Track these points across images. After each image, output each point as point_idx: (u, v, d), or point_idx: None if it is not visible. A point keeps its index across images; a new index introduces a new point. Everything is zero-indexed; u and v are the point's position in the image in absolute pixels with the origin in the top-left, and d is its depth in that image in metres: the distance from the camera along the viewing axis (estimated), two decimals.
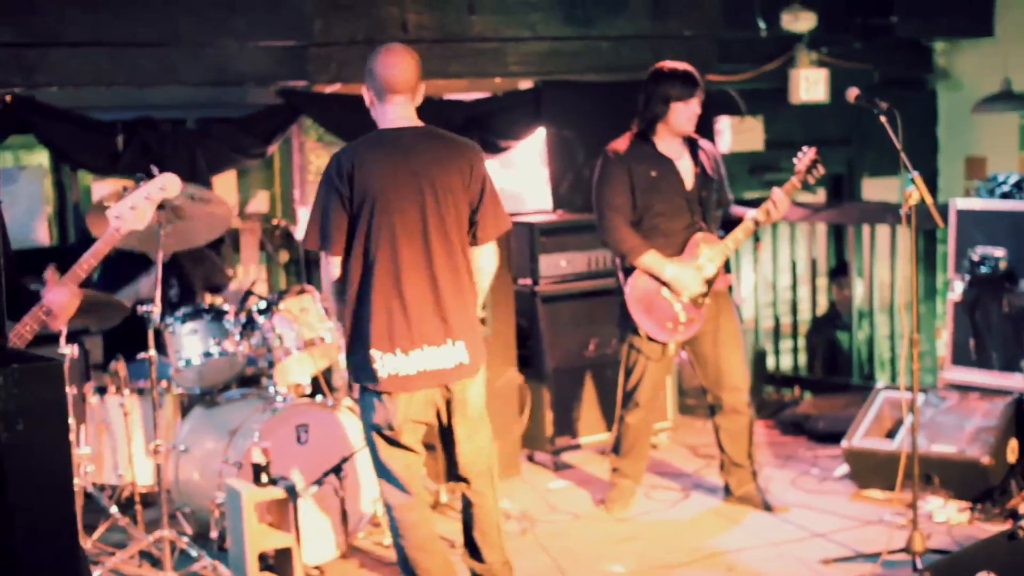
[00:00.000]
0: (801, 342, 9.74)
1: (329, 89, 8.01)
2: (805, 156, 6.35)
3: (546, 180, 8.67)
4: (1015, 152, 9.76)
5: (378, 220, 4.84)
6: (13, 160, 8.98)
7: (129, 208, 4.56)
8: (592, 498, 6.93)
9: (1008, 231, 6.94)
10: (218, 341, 6.24)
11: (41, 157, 8.82)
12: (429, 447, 5.33)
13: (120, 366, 6.27)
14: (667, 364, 6.60)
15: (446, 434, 5.12)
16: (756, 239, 9.11)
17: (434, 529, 5.25)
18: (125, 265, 6.90)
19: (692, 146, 6.47)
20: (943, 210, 6.96)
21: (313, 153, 8.48)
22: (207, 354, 6.23)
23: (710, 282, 6.36)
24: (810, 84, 9.18)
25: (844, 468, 7.01)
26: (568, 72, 8.54)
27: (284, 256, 8.21)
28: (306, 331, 6.23)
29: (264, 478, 5.57)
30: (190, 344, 6.23)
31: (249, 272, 8.09)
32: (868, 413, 6.97)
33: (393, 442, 5.03)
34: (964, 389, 6.93)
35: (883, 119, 5.53)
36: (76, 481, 5.80)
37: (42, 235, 8.62)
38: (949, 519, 6.27)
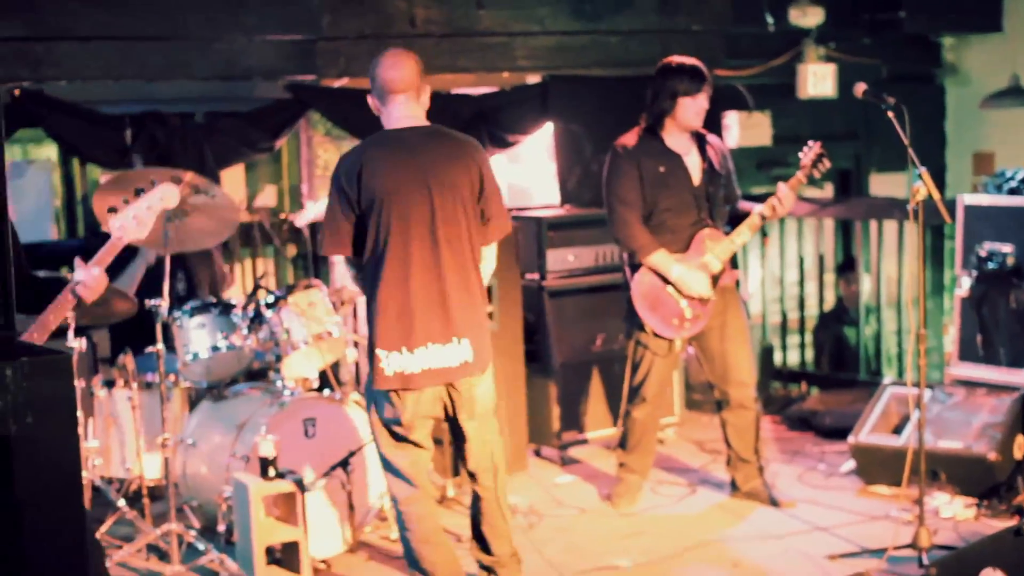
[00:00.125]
0: (808, 338, 9.73)
1: (337, 83, 8.01)
2: (810, 150, 6.34)
3: (554, 175, 8.67)
4: (1023, 148, 9.74)
5: (386, 220, 4.85)
6: (21, 154, 9.01)
7: (132, 218, 4.65)
8: (599, 493, 6.93)
9: (1016, 227, 6.93)
10: (226, 335, 6.25)
11: (49, 151, 8.85)
12: (437, 441, 5.35)
13: (128, 360, 6.28)
14: (674, 360, 6.60)
15: (454, 430, 5.14)
16: (763, 234, 9.11)
17: (439, 522, 5.28)
18: (123, 257, 6.90)
19: (700, 141, 6.46)
20: (951, 206, 6.96)
21: (321, 147, 8.48)
22: (215, 348, 6.24)
23: (716, 278, 6.36)
24: (818, 79, 9.17)
25: (850, 464, 7.01)
26: (576, 67, 8.54)
27: (292, 250, 8.22)
28: (314, 325, 6.23)
29: (271, 472, 5.58)
30: (198, 338, 6.25)
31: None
32: (875, 409, 6.97)
33: (401, 438, 5.05)
34: (971, 385, 6.93)
35: (890, 114, 5.52)
36: (84, 474, 5.81)
37: (50, 229, 8.65)
38: (955, 515, 6.27)
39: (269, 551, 5.63)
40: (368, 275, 4.94)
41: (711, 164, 6.42)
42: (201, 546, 5.80)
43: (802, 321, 9.48)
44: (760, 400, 6.83)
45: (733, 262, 6.52)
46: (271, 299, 6.27)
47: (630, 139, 6.39)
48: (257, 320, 6.26)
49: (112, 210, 4.73)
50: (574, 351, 7.57)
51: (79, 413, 5.58)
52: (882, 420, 6.91)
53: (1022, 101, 9.64)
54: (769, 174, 9.82)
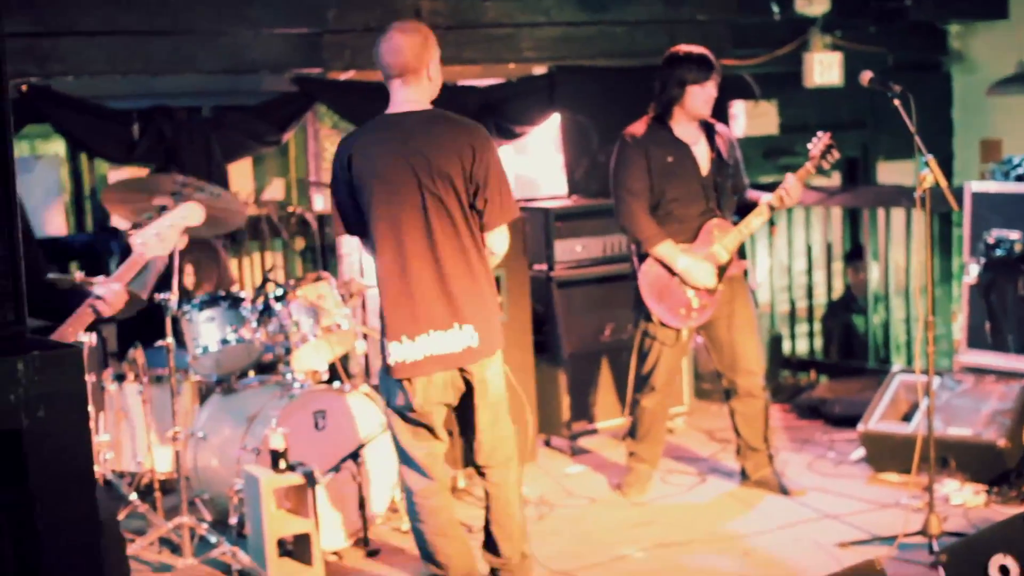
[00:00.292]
0: (817, 326, 9.74)
1: (344, 76, 8.03)
2: (819, 141, 6.33)
3: (561, 165, 8.68)
4: None
5: (377, 206, 4.85)
6: (29, 149, 9.03)
7: (154, 235, 4.70)
8: (609, 482, 6.94)
9: (1023, 214, 6.93)
10: (235, 328, 6.27)
11: (57, 146, 8.87)
12: (447, 432, 5.34)
13: (138, 354, 6.30)
14: (682, 348, 6.60)
15: (467, 419, 5.11)
16: (771, 223, 9.10)
17: (454, 515, 5.26)
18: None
19: (709, 131, 6.46)
20: (958, 193, 6.96)
21: (328, 140, 8.50)
22: (224, 341, 6.25)
23: (723, 269, 6.36)
24: (824, 68, 9.16)
25: (860, 452, 7.02)
26: (582, 57, 8.55)
27: (300, 243, 8.24)
28: (323, 318, 6.25)
29: (282, 464, 5.60)
30: (207, 331, 6.26)
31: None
32: (884, 397, 6.97)
33: (417, 423, 5.04)
34: (980, 372, 6.92)
35: (897, 102, 5.52)
36: (96, 468, 5.83)
37: (59, 224, 8.66)
38: (965, 502, 6.27)
39: (281, 543, 5.65)
40: (373, 262, 4.97)
41: (719, 154, 6.42)
42: (213, 539, 5.81)
43: (810, 310, 9.48)
44: (769, 389, 6.83)
45: (741, 252, 6.52)
46: (280, 292, 6.28)
47: (639, 128, 6.39)
48: (266, 313, 6.28)
49: (136, 226, 4.78)
50: (583, 341, 7.58)
51: (90, 407, 5.59)
52: (891, 408, 6.92)
53: None
54: (776, 163, 9.81)
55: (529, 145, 9.33)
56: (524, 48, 8.34)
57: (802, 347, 9.52)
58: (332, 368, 6.72)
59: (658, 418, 6.66)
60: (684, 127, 6.37)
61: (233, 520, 6.02)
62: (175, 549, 5.94)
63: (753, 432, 6.61)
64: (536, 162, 9.50)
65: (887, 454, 6.73)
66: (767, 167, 9.79)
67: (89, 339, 5.85)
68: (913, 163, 5.57)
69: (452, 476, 6.57)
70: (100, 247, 7.62)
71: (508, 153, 8.95)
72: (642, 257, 6.38)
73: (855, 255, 9.86)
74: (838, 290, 9.90)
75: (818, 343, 9.71)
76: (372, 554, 5.96)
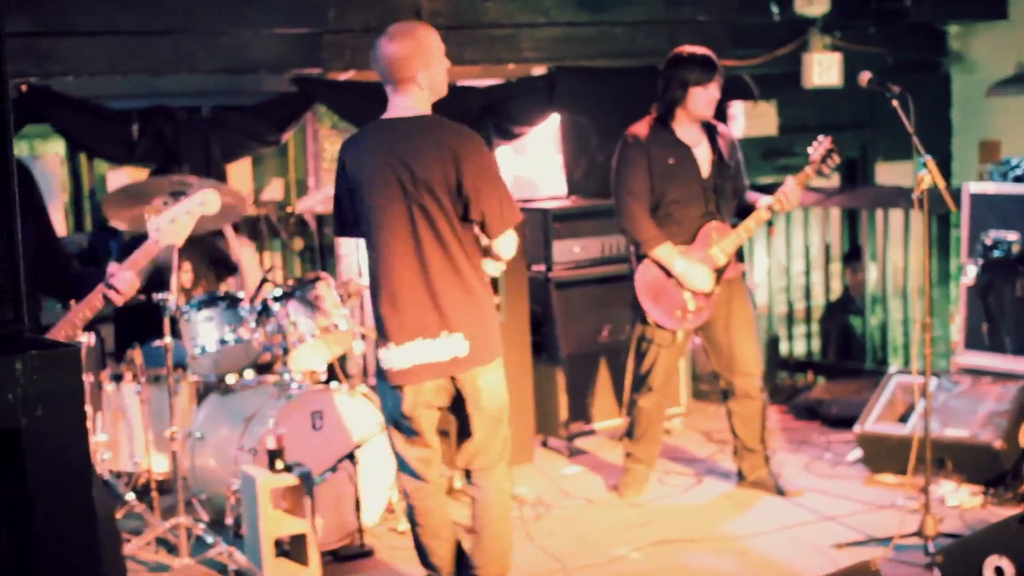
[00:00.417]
0: (815, 327, 9.75)
1: (343, 77, 8.04)
2: (820, 145, 6.32)
3: (560, 166, 8.69)
4: None
5: (367, 213, 4.84)
6: (29, 149, 9.04)
7: (169, 222, 4.61)
8: (606, 483, 6.95)
9: (1021, 215, 6.93)
10: (233, 328, 6.27)
11: (56, 146, 8.87)
12: (444, 433, 5.34)
13: (136, 354, 6.31)
14: (679, 350, 6.60)
15: (461, 423, 5.08)
16: (769, 224, 9.10)
17: (449, 517, 5.23)
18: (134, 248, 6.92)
19: (710, 132, 6.46)
20: (956, 194, 6.97)
21: (327, 140, 8.51)
22: (222, 341, 6.26)
23: (720, 272, 6.36)
24: (823, 68, 9.17)
25: (857, 453, 7.03)
26: (582, 58, 8.56)
27: (298, 243, 8.25)
28: (321, 318, 6.26)
29: (279, 464, 5.60)
30: (205, 331, 6.27)
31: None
32: (881, 398, 6.98)
33: (409, 432, 5.01)
34: (977, 373, 6.93)
35: (895, 103, 5.53)
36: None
37: (58, 224, 8.67)
38: (961, 503, 6.28)
39: (277, 543, 5.66)
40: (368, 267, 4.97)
41: (721, 156, 6.42)
42: (210, 539, 5.82)
43: (808, 311, 9.49)
44: (766, 390, 6.84)
45: (739, 255, 6.53)
46: (278, 292, 6.29)
47: (641, 129, 6.39)
48: (264, 313, 6.28)
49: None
50: (581, 342, 7.59)
51: (87, 407, 5.60)
52: (888, 409, 6.93)
53: None
54: (775, 164, 9.82)
55: (528, 145, 9.34)
56: (524, 48, 8.35)
57: (800, 348, 9.53)
58: (330, 368, 6.73)
59: (655, 418, 6.67)
60: (686, 128, 6.38)
61: (230, 520, 6.03)
62: (172, 549, 5.95)
63: (750, 433, 6.62)
64: (535, 162, 9.51)
65: (884, 455, 6.74)
66: (766, 168, 9.80)
67: (87, 339, 5.87)
68: (912, 164, 5.57)
69: (448, 477, 6.57)
70: (99, 247, 7.62)
71: (507, 153, 8.96)
72: (640, 258, 6.39)
73: (853, 256, 9.87)
74: (836, 291, 9.91)
75: (816, 344, 9.72)
76: (361, 556, 5.96)
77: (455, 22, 7.91)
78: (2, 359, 2.47)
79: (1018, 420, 6.49)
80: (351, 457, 5.91)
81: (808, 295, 9.41)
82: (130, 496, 6.11)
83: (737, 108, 9.56)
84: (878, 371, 8.20)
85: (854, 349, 9.39)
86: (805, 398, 8.27)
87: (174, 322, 6.15)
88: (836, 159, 6.34)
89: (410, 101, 4.82)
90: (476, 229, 4.87)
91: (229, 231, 7.46)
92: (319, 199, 7.44)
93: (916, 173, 5.51)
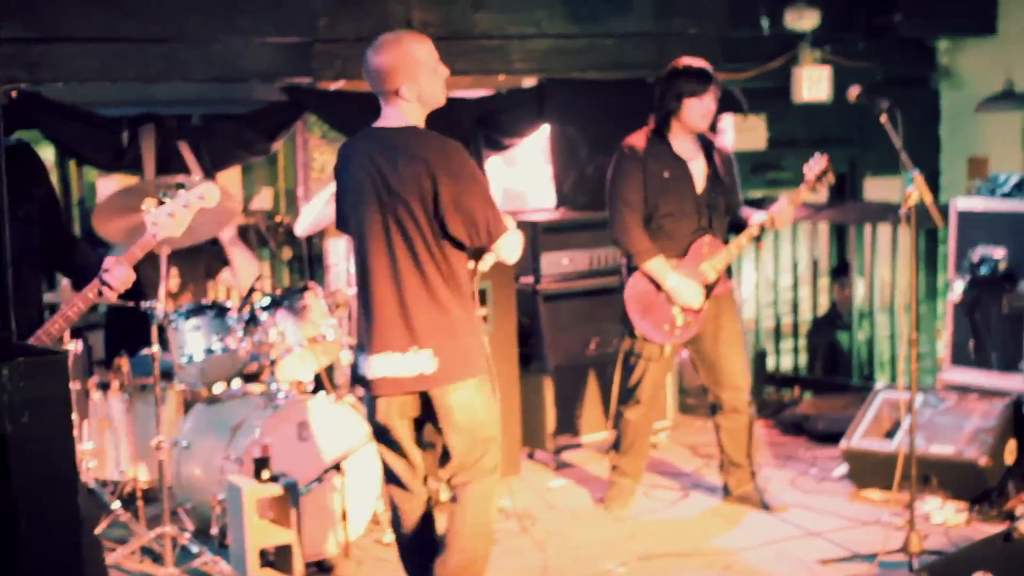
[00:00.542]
0: (802, 342, 9.76)
1: (334, 86, 8.03)
2: (816, 164, 6.33)
3: (549, 178, 8.69)
4: (1017, 152, 9.76)
5: (350, 219, 4.84)
6: None
7: (167, 215, 4.54)
8: (592, 497, 6.95)
9: (1008, 232, 6.96)
10: (221, 337, 6.26)
11: (46, 153, 8.85)
12: (430, 445, 5.32)
13: (123, 362, 6.30)
14: (668, 363, 6.61)
15: (443, 436, 5.00)
16: (757, 239, 9.12)
17: (434, 529, 5.20)
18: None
19: (707, 147, 6.47)
20: (944, 210, 6.98)
21: (317, 150, 8.50)
22: (209, 350, 6.25)
23: (710, 288, 6.37)
24: (813, 83, 9.20)
25: (843, 468, 7.04)
26: (572, 70, 8.57)
27: (287, 253, 8.24)
28: (309, 328, 6.25)
29: (265, 475, 5.60)
30: (193, 340, 6.26)
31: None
32: (867, 414, 6.99)
33: (389, 441, 4.98)
34: (963, 390, 6.95)
35: (883, 118, 5.55)
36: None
37: None
38: (946, 520, 6.29)
39: (263, 554, 5.65)
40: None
41: (716, 171, 6.42)
42: (195, 548, 5.81)
43: (795, 325, 9.51)
44: (754, 404, 6.84)
45: (728, 271, 6.54)
46: (266, 302, 6.28)
47: (638, 140, 6.39)
48: (252, 322, 6.28)
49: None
50: (568, 355, 7.59)
51: (74, 415, 5.58)
52: (874, 425, 6.94)
53: (1016, 105, 9.67)
54: (764, 178, 9.83)
55: (517, 157, 9.34)
56: (514, 60, 8.36)
57: (786, 363, 9.54)
58: (317, 379, 6.72)
59: (642, 431, 6.67)
60: (682, 141, 6.38)
61: (215, 530, 6.02)
62: (157, 558, 5.94)
63: (737, 448, 6.63)
64: (524, 174, 9.51)
65: (869, 471, 6.75)
66: (755, 181, 9.80)
67: (75, 346, 5.86)
68: (900, 179, 5.59)
69: (435, 489, 6.55)
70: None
71: (497, 165, 8.96)
72: (632, 270, 6.40)
73: (841, 271, 9.89)
74: (823, 306, 9.92)
75: (803, 359, 9.73)
76: (327, 569, 5.96)
77: (446, 32, 7.92)
78: None
79: (1004, 437, 6.51)
80: (338, 468, 5.91)
81: (795, 310, 9.42)
82: (115, 505, 6.10)
83: (726, 121, 9.57)
84: (865, 387, 8.21)
85: (841, 364, 9.40)
86: (791, 413, 8.27)
87: (161, 331, 6.14)
88: (831, 178, 6.35)
89: (397, 112, 4.77)
90: (457, 244, 4.77)
91: (227, 234, 7.42)
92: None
93: (904, 188, 5.53)
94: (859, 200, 10.38)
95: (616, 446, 6.71)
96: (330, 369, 6.99)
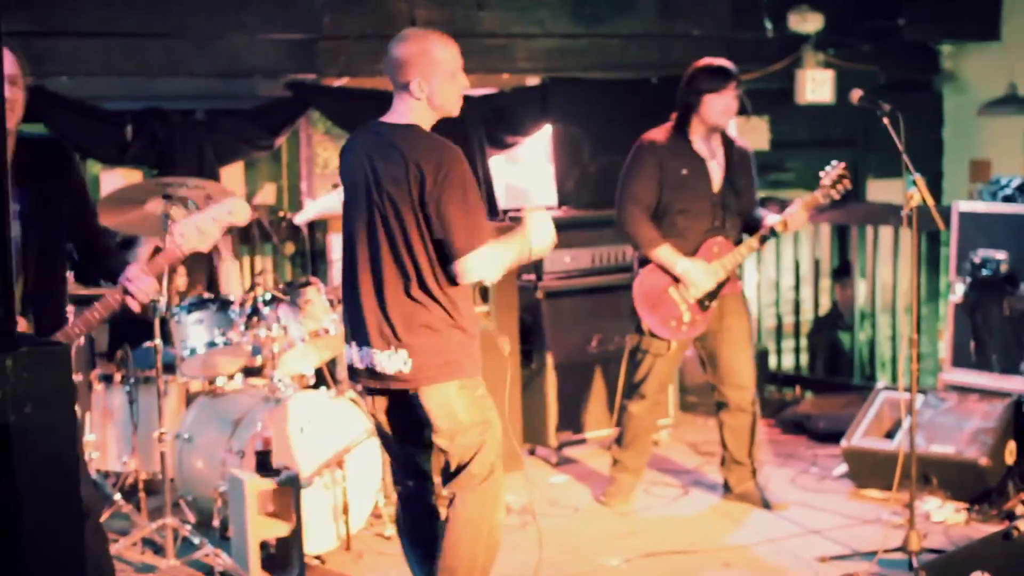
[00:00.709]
0: (803, 342, 9.78)
1: (338, 83, 8.05)
2: (833, 171, 6.32)
3: (551, 176, 8.70)
4: (1019, 155, 9.78)
5: (343, 211, 4.82)
6: None
7: (195, 229, 4.45)
8: (592, 493, 6.96)
9: (1009, 234, 6.97)
10: (223, 331, 6.28)
11: None
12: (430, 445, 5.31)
13: (126, 355, 6.32)
14: (674, 360, 6.59)
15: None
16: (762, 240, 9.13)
17: (435, 527, 5.18)
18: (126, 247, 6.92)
19: (728, 147, 6.47)
20: (946, 212, 7.00)
21: (321, 146, 8.52)
22: (212, 344, 6.27)
23: (718, 288, 6.37)
24: (816, 85, 9.20)
25: (843, 467, 7.05)
26: (576, 69, 8.58)
27: (290, 248, 8.25)
28: (311, 322, 6.27)
29: (266, 468, 5.61)
30: (195, 334, 6.27)
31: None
32: (868, 413, 7.00)
33: (384, 439, 4.98)
34: (963, 390, 6.96)
35: (885, 121, 5.56)
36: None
37: None
38: (946, 519, 6.30)
39: (264, 546, 5.67)
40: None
41: (734, 171, 6.42)
42: (196, 540, 5.82)
43: (797, 325, 9.52)
44: (758, 403, 6.83)
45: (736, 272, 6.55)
46: (268, 296, 6.30)
47: (658, 135, 6.39)
48: (254, 317, 6.29)
49: (168, 216, 4.68)
50: (570, 352, 7.60)
51: (76, 407, 5.60)
52: (875, 424, 6.95)
53: (1019, 109, 9.69)
54: (766, 179, 9.85)
55: (520, 155, 9.35)
56: (518, 59, 8.37)
57: (788, 362, 9.55)
58: (318, 373, 6.74)
59: (645, 426, 6.67)
60: (703, 139, 6.37)
61: (216, 522, 6.03)
62: (158, 550, 5.95)
63: (739, 446, 6.64)
64: (527, 172, 9.52)
65: (869, 470, 6.76)
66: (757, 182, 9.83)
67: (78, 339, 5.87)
68: (903, 181, 5.60)
69: (438, 483, 6.56)
70: None
71: (500, 163, 8.97)
72: (643, 263, 6.40)
73: (843, 272, 9.90)
74: (825, 306, 9.94)
75: (804, 359, 9.74)
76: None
77: (450, 31, 7.78)
78: None
79: (1004, 438, 6.52)
80: (339, 462, 5.92)
81: (797, 310, 9.43)
82: (117, 496, 6.12)
83: (729, 123, 9.58)
84: (866, 386, 8.22)
85: (842, 364, 9.42)
86: (793, 412, 8.29)
87: (164, 324, 6.16)
88: (847, 184, 6.35)
89: (403, 107, 4.68)
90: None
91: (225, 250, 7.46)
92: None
93: (906, 191, 5.54)
94: (861, 201, 10.39)
95: (619, 440, 6.72)
96: (331, 363, 7.00)
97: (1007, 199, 7.13)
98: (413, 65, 4.62)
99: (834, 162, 6.35)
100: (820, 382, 9.15)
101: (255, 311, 6.29)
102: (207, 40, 7.51)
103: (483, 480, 4.79)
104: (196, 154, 7.51)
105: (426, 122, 4.69)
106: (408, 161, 4.54)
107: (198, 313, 6.28)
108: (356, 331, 4.75)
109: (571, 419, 7.60)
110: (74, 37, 7.12)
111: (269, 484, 5.63)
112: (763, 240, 6.43)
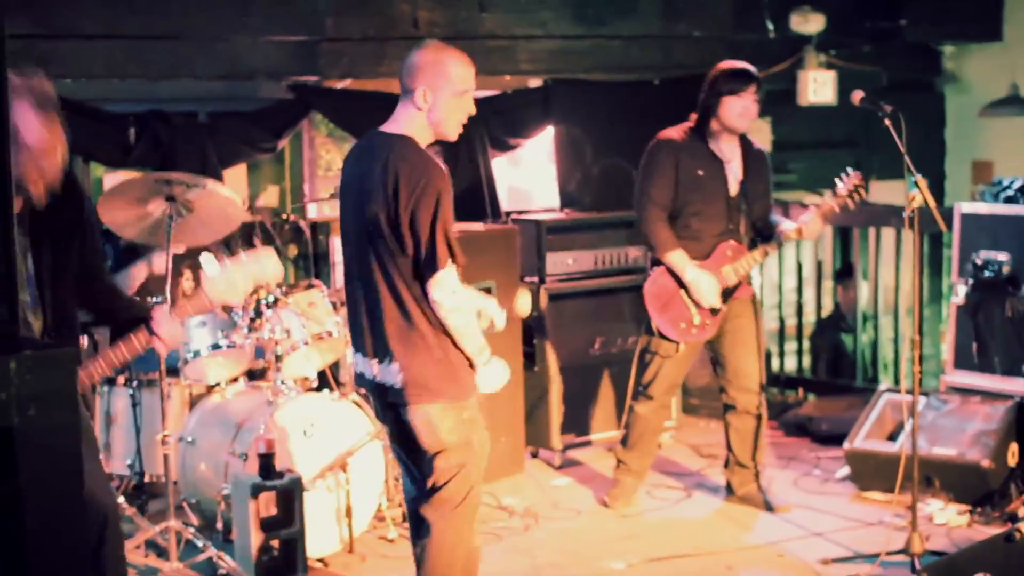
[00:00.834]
0: (805, 344, 9.77)
1: (340, 85, 8.06)
2: (849, 180, 6.32)
3: (554, 178, 8.70)
4: (1022, 156, 9.78)
5: (340, 225, 4.79)
6: None
7: (227, 282, 4.45)
8: (595, 495, 6.96)
9: (1012, 235, 6.96)
10: (226, 334, 6.28)
11: None
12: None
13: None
14: (683, 362, 6.57)
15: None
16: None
17: None
18: (131, 255, 6.93)
19: (746, 150, 6.47)
20: (948, 214, 6.99)
21: (323, 148, 8.53)
22: (215, 346, 6.27)
23: (729, 292, 6.37)
24: (818, 86, 9.20)
25: (845, 470, 7.05)
26: (578, 71, 8.58)
27: (293, 250, 8.26)
28: (314, 325, 6.27)
29: (269, 470, 5.61)
30: (199, 336, 6.28)
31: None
32: (870, 415, 7.00)
33: (390, 441, 5.00)
34: (966, 392, 6.95)
35: (887, 122, 5.55)
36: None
37: None
38: (948, 521, 6.30)
39: (267, 549, 5.66)
40: None
41: (751, 175, 6.41)
42: (199, 543, 5.82)
43: (799, 327, 9.51)
44: (765, 407, 6.80)
45: (749, 278, 6.55)
46: (272, 299, 6.30)
47: (676, 133, 6.39)
48: (258, 319, 6.29)
49: (196, 263, 4.63)
50: (572, 354, 7.60)
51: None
52: (877, 426, 6.95)
53: (1021, 110, 9.69)
54: None
55: (523, 157, 9.36)
56: (521, 60, 8.37)
57: (790, 364, 9.55)
58: (322, 376, 6.74)
59: (651, 427, 6.66)
60: (721, 142, 6.37)
61: (220, 525, 6.03)
62: (161, 553, 5.95)
63: (744, 448, 6.63)
64: (529, 174, 9.53)
65: (872, 472, 6.76)
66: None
67: (81, 341, 5.87)
68: (905, 183, 5.60)
69: None
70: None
71: (502, 165, 8.98)
72: (655, 263, 6.40)
73: (845, 274, 9.89)
74: (827, 308, 9.93)
75: (806, 361, 9.74)
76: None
77: (452, 32, 7.93)
78: None
79: (1006, 440, 6.52)
80: (342, 464, 5.93)
81: (799, 312, 9.43)
82: (121, 499, 6.12)
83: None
84: (868, 388, 8.22)
85: (844, 366, 9.41)
86: (795, 414, 8.28)
87: None
88: (863, 194, 6.36)
89: (402, 116, 4.61)
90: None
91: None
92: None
93: (908, 192, 5.54)
94: (863, 203, 10.37)
95: (624, 441, 6.72)
96: (334, 366, 7.01)
97: (1009, 200, 7.12)
98: (424, 73, 4.55)
99: (850, 170, 6.35)
100: (822, 384, 9.14)
101: (258, 314, 6.29)
102: (210, 42, 7.51)
103: (456, 506, 4.67)
104: (199, 156, 7.50)
105: (422, 136, 4.60)
106: (387, 176, 4.45)
107: (201, 316, 6.28)
108: (355, 340, 4.75)
109: (574, 422, 7.60)
110: (77, 39, 7.12)
111: (272, 487, 5.63)
112: (778, 246, 6.44)
